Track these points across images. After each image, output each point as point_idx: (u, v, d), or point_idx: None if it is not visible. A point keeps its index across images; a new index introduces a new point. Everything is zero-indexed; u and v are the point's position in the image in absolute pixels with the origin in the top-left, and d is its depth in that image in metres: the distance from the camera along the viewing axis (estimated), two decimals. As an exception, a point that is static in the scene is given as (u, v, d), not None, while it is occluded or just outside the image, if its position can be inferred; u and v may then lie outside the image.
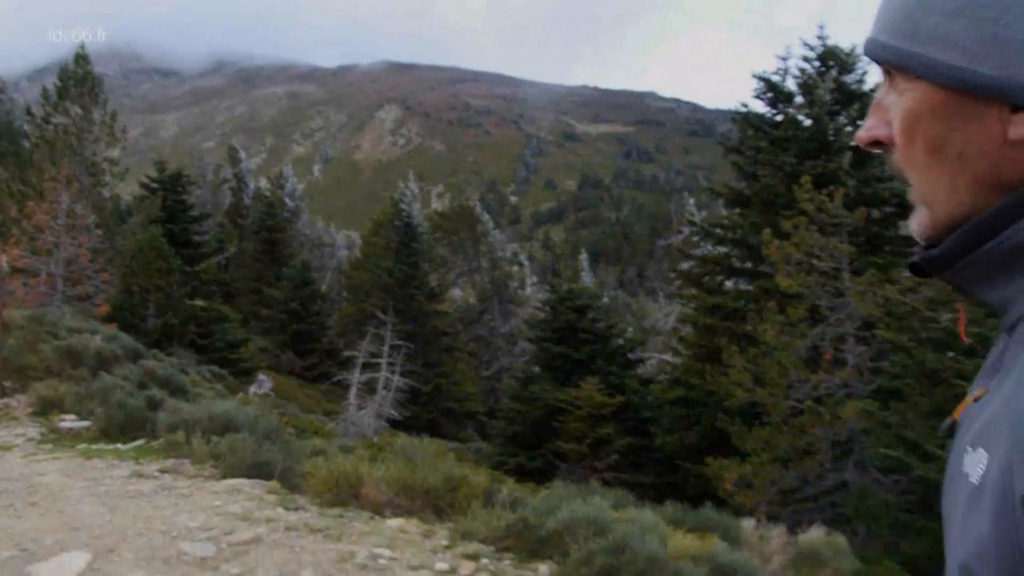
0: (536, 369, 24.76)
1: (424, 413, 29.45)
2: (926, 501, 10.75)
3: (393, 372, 27.31)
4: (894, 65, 0.80)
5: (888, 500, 10.98)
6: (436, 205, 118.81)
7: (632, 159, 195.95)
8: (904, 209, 15.71)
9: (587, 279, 47.15)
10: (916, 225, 0.83)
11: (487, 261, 42.50)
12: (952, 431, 0.83)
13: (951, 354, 10.51)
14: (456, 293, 44.19)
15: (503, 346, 39.55)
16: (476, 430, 32.43)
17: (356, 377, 26.74)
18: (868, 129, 0.84)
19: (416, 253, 35.20)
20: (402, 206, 37.61)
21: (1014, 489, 0.65)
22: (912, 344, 10.94)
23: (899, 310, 11.65)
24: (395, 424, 26.04)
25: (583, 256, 54.28)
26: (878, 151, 0.84)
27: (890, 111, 0.82)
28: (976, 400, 0.79)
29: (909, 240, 15.70)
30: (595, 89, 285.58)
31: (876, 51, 0.82)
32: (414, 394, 28.62)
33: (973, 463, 0.72)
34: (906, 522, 10.74)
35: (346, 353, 29.67)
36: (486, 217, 45.06)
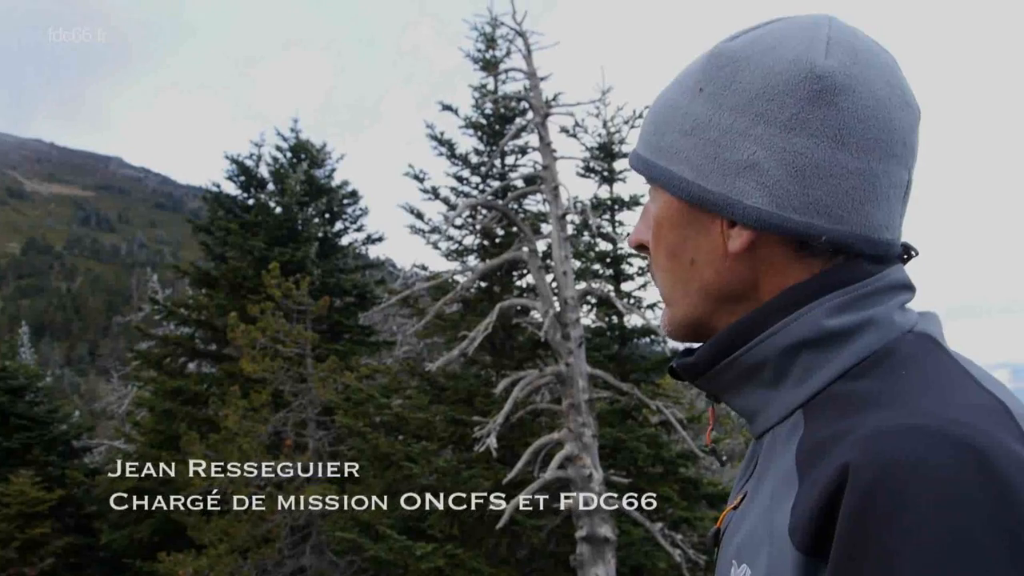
0: (-49, 462, 21.05)
1: None
2: (375, 579, 11.34)
3: None
4: (645, 175, 0.85)
5: (341, 581, 11.35)
6: None
7: (90, 226, 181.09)
8: (363, 300, 16.85)
9: (27, 356, 41.67)
10: (660, 323, 0.87)
11: None
12: (717, 539, 0.87)
13: (400, 437, 11.38)
14: None
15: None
16: None
17: None
18: (636, 232, 0.89)
19: None
20: None
21: None
22: (367, 429, 11.62)
23: (356, 396, 12.32)
24: None
25: (23, 329, 48.03)
26: (645, 254, 0.89)
27: (649, 217, 0.87)
28: (735, 508, 0.83)
29: (366, 329, 16.83)
30: (52, 146, 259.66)
31: (633, 162, 0.87)
32: None
33: None
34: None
35: None
36: None
